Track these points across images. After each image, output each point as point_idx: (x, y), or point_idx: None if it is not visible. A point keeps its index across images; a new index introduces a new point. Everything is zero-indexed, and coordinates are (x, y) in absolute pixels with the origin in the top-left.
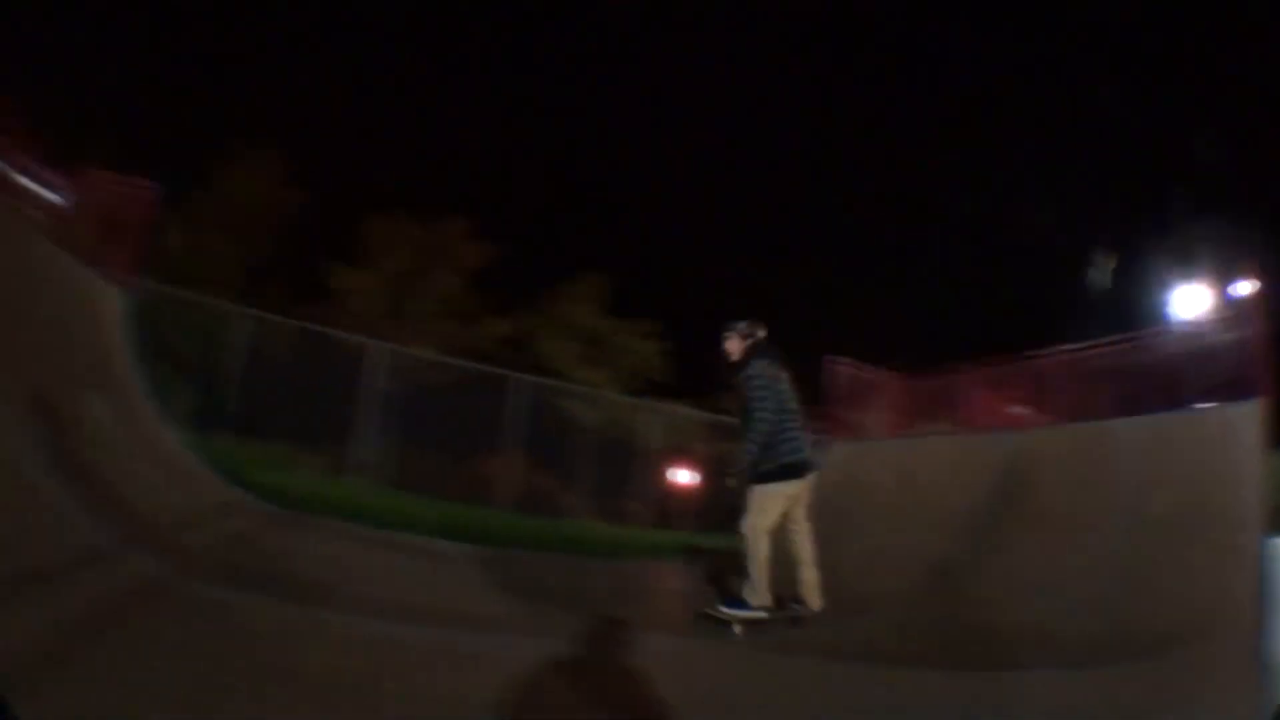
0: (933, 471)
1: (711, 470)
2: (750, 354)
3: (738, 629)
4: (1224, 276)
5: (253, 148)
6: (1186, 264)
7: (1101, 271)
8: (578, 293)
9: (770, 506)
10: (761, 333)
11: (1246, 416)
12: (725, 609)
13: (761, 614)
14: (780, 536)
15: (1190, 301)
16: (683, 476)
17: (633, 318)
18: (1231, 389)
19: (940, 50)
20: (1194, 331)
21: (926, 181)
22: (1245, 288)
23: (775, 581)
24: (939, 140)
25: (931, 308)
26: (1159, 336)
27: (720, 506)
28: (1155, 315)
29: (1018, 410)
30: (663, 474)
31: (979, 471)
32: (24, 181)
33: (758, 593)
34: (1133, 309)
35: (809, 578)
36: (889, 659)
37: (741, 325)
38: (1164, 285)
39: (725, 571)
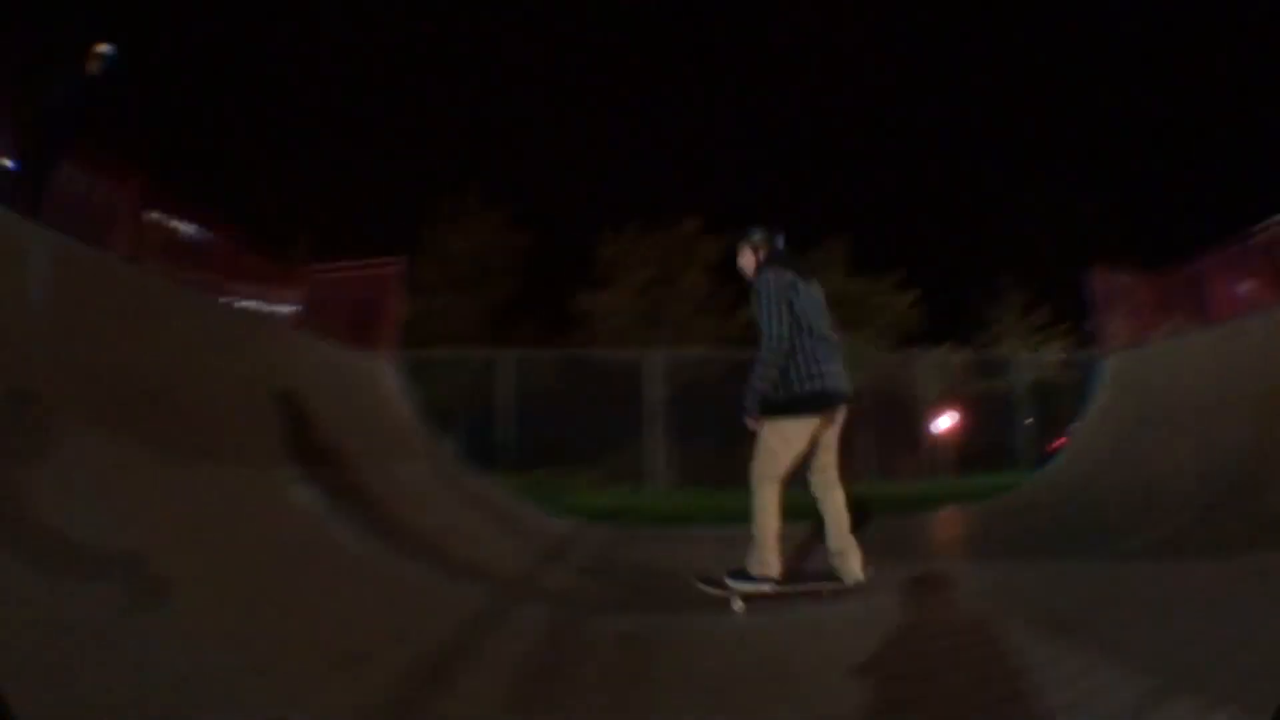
0: (1199, 368)
1: (977, 411)
2: (765, 264)
3: (738, 605)
4: None
5: (469, 201)
6: None
7: None
8: (822, 259)
9: (780, 447)
10: (779, 240)
11: None
12: (729, 581)
13: (765, 587)
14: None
15: None
16: (947, 421)
17: (879, 273)
18: None
19: None
20: None
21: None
22: None
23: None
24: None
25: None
26: None
27: (988, 447)
28: None
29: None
30: (933, 421)
31: (1240, 362)
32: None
33: (763, 560)
34: None
35: (841, 546)
36: (1204, 550)
37: (755, 235)
38: None
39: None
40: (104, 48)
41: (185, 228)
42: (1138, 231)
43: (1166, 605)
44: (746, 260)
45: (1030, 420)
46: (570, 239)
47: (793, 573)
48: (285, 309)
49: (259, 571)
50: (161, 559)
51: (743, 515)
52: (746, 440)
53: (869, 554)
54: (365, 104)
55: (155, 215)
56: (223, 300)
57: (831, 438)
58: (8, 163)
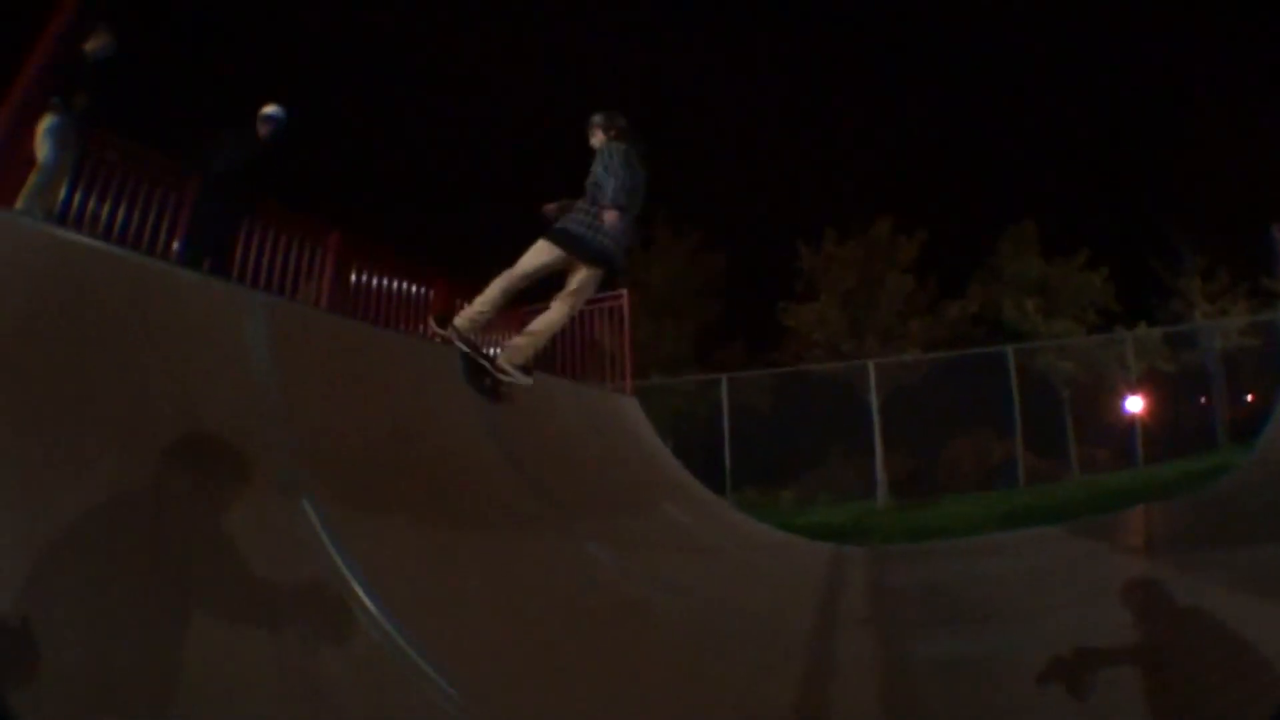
0: None
1: (1172, 388)
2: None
3: (516, 378)
4: None
5: (658, 228)
6: None
7: None
8: (1016, 246)
9: (535, 257)
10: (621, 122)
11: None
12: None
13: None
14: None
15: None
16: (1146, 404)
17: (1069, 252)
18: None
19: None
20: None
21: None
22: None
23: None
24: None
25: None
26: None
27: (1187, 425)
28: None
29: None
30: (1135, 404)
31: None
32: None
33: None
34: None
35: (521, 342)
36: None
37: (598, 118)
38: None
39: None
40: (271, 109)
41: (387, 277)
42: None
43: None
44: (596, 139)
45: (1226, 393)
46: (767, 255)
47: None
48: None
49: (575, 635)
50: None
51: (964, 525)
52: (955, 442)
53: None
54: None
55: (357, 268)
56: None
57: (586, 284)
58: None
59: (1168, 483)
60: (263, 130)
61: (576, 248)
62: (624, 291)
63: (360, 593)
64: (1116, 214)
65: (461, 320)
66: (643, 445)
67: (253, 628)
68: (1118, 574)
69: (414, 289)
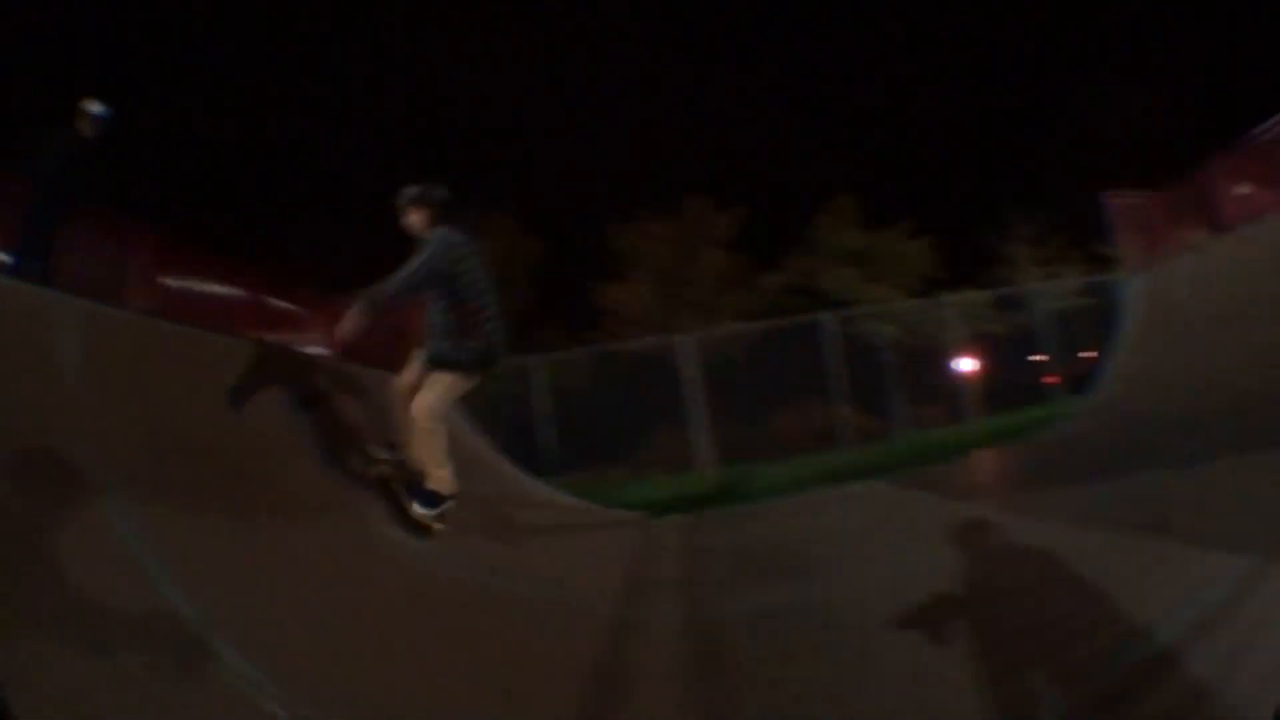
0: (1225, 275)
1: (1001, 349)
2: (434, 222)
3: (439, 527)
4: None
5: (487, 214)
6: None
7: None
8: (835, 218)
9: (448, 393)
10: (440, 194)
11: None
12: (420, 509)
13: (451, 502)
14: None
15: None
16: (974, 363)
17: (891, 223)
18: None
19: None
20: None
21: None
22: None
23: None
24: None
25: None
26: None
27: (1016, 383)
28: None
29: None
30: (962, 364)
31: (1265, 263)
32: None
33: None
34: None
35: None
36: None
37: (412, 192)
38: None
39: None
40: (95, 107)
41: (207, 276)
42: (1145, 148)
43: (1226, 499)
44: (416, 219)
45: (1055, 351)
46: (583, 238)
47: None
48: (322, 343)
49: (387, 618)
50: (291, 621)
51: (789, 486)
52: (780, 409)
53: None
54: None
55: (175, 268)
56: (261, 342)
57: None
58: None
59: (996, 434)
60: (88, 129)
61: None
62: None
63: (169, 588)
64: (944, 187)
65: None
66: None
67: (62, 628)
68: (937, 520)
69: (239, 291)
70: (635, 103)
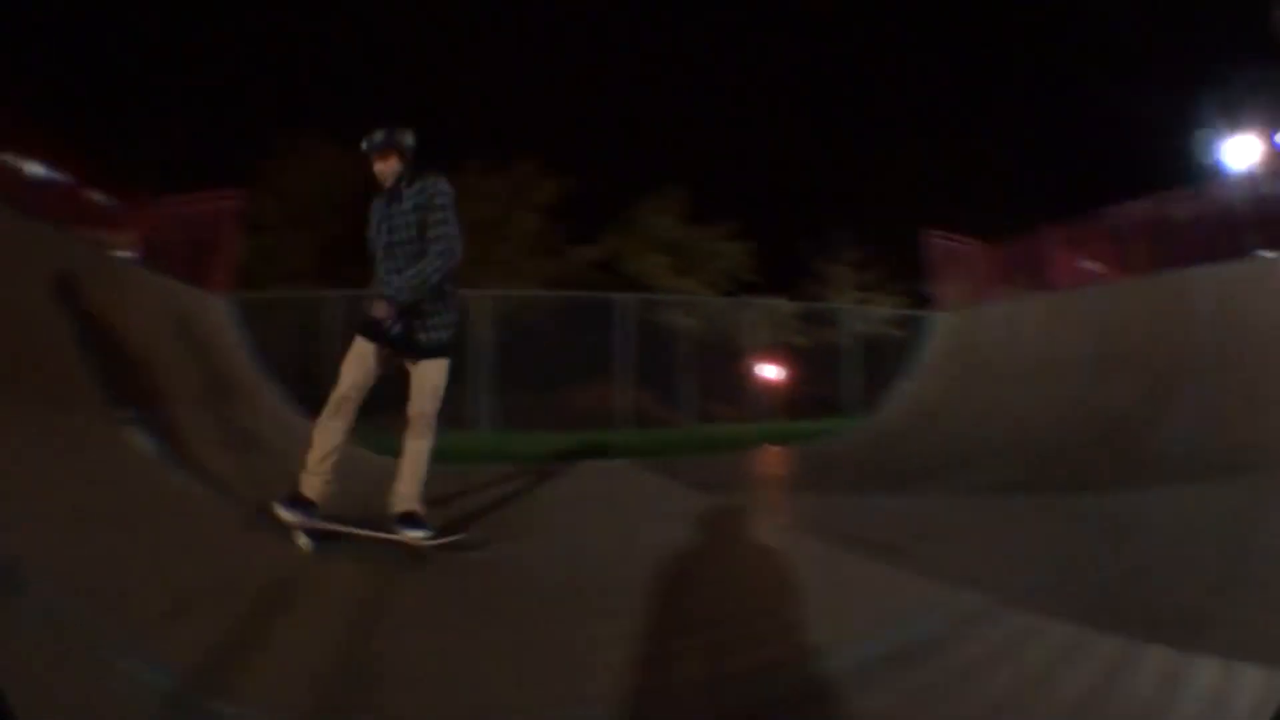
0: (1034, 330)
1: (806, 361)
2: (414, 169)
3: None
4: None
5: (305, 136)
6: (1235, 114)
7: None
8: (658, 206)
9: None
10: (412, 140)
11: None
12: (410, 532)
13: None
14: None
15: (1241, 152)
16: (773, 370)
17: (715, 222)
18: None
19: None
20: (1250, 182)
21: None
22: None
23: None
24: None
25: (1009, 174)
26: (1219, 188)
27: (816, 396)
28: (1208, 166)
29: (1097, 266)
30: (760, 368)
31: (1074, 327)
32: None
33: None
34: (1185, 160)
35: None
36: (1031, 489)
37: (384, 138)
38: (1214, 136)
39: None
40: None
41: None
42: (971, 201)
43: (975, 535)
44: (391, 165)
45: (858, 372)
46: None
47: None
48: (124, 245)
49: (94, 517)
50: None
51: (562, 455)
52: (587, 384)
53: (685, 481)
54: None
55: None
56: (51, 235)
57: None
58: None
59: (772, 436)
60: None
61: None
62: (235, 193)
63: None
64: (776, 198)
65: None
66: (222, 349)
67: None
68: (668, 504)
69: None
70: (502, 48)
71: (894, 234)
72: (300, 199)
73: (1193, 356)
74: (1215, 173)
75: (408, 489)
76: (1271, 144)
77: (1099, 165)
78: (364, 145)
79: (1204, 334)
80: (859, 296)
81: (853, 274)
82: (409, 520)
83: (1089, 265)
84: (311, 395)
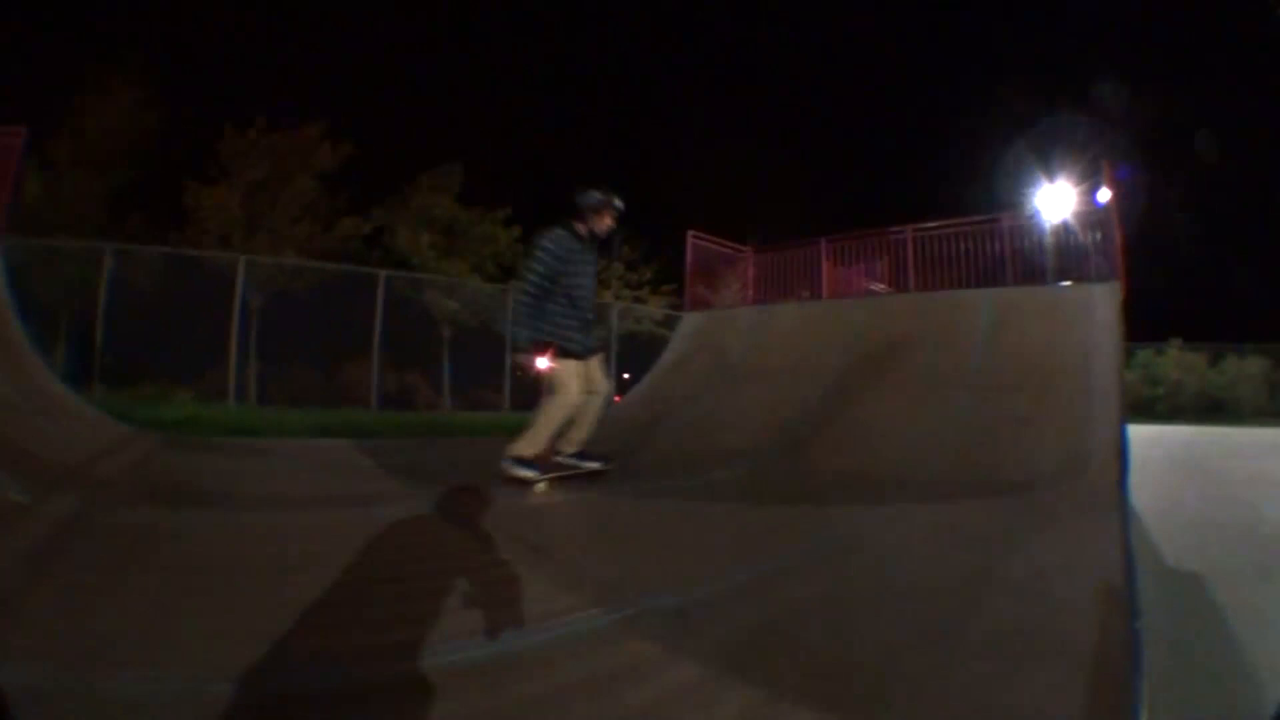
0: (785, 337)
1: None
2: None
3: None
4: (1085, 179)
5: (104, 74)
6: (1049, 165)
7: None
8: (433, 184)
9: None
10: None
11: (1105, 294)
12: (517, 469)
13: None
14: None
15: (1054, 200)
16: (542, 361)
17: (490, 205)
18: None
19: None
20: (1058, 226)
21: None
22: (1105, 195)
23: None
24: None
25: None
26: (1018, 223)
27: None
28: (1018, 205)
29: (872, 282)
30: (536, 360)
31: (832, 336)
32: None
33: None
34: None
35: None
36: (754, 499)
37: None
38: (1027, 180)
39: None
40: None
41: None
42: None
43: (636, 536)
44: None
45: (626, 369)
46: (199, 128)
47: None
48: None
49: None
50: None
51: (305, 431)
52: (344, 361)
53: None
54: None
55: None
56: None
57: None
58: None
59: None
60: None
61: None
62: (14, 128)
63: None
64: (554, 191)
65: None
66: None
67: None
68: (374, 483)
69: None
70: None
71: (670, 236)
72: (93, 143)
73: (957, 373)
74: (1024, 214)
75: (525, 438)
76: (1092, 201)
77: (904, 190)
78: (615, 202)
79: (974, 352)
80: (632, 295)
81: (625, 272)
82: (516, 460)
83: (860, 279)
84: (84, 351)
